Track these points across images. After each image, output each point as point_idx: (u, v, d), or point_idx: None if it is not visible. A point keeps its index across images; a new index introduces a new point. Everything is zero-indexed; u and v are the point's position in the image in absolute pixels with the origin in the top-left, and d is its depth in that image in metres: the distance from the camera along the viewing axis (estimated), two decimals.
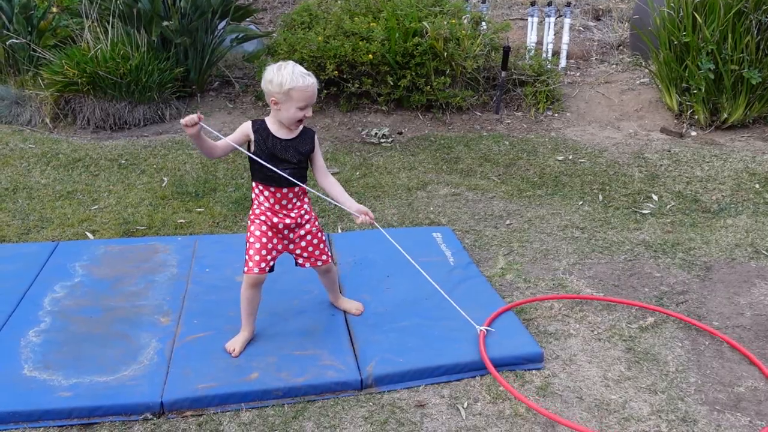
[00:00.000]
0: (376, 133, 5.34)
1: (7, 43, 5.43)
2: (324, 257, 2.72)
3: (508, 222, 3.98)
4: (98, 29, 5.41)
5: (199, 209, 4.07)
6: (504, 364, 2.60)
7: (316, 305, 2.99)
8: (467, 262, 3.41)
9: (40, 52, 5.46)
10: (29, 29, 5.58)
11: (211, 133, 2.56)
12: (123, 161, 4.77)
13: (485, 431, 2.28)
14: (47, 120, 5.40)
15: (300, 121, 2.45)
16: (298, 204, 2.59)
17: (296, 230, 2.62)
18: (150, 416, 2.34)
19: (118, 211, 4.01)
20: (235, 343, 2.63)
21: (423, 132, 5.52)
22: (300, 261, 2.71)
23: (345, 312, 2.93)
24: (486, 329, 2.72)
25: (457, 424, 2.32)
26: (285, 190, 2.52)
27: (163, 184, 4.42)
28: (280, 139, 2.48)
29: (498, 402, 2.41)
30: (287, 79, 2.36)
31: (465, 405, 2.40)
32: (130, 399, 2.36)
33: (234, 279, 3.19)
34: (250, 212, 2.60)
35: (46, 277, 3.16)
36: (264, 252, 2.56)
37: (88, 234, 3.73)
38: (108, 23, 5.42)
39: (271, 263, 2.60)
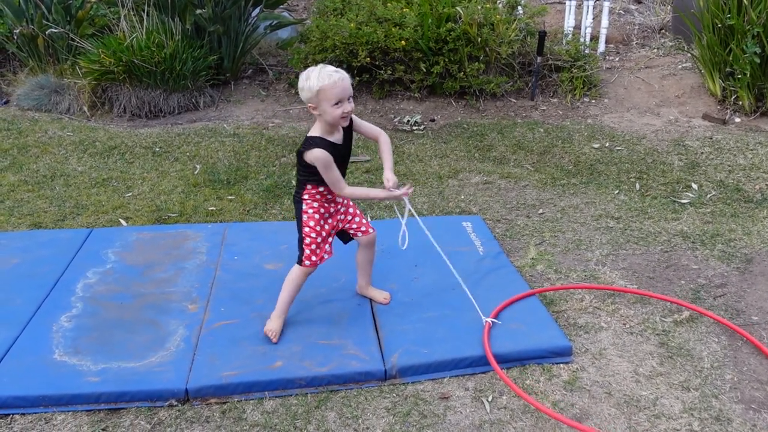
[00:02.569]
0: (408, 120, 5.29)
1: (47, 32, 5.53)
2: (370, 227, 2.81)
3: (540, 211, 3.90)
4: (134, 18, 5.47)
5: (230, 197, 4.10)
6: (531, 357, 2.55)
7: (343, 293, 2.98)
8: (497, 251, 3.35)
9: (78, 42, 5.54)
10: (68, 19, 5.67)
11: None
12: (157, 149, 4.83)
13: (509, 425, 2.24)
14: (85, 108, 5.49)
15: (344, 117, 2.45)
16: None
17: (345, 213, 2.72)
18: (175, 403, 2.36)
19: (151, 198, 4.06)
20: (275, 329, 2.66)
21: (456, 119, 5.45)
22: (351, 232, 2.76)
23: (371, 300, 2.91)
24: (492, 321, 2.67)
25: (481, 417, 2.28)
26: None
27: (196, 172, 4.46)
28: (340, 144, 2.53)
29: None
30: (314, 82, 2.39)
31: (490, 398, 2.37)
32: (156, 385, 2.39)
33: (262, 266, 3.20)
34: (304, 209, 2.59)
35: (80, 263, 3.22)
36: (324, 244, 2.64)
37: (122, 221, 3.78)
38: (144, 12, 5.46)
39: (328, 249, 2.68)
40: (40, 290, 2.97)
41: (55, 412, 2.32)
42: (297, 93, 5.83)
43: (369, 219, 3.82)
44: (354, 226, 2.76)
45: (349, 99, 2.43)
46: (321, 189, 2.56)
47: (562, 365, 2.53)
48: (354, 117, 2.59)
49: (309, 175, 2.52)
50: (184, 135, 5.09)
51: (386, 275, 3.14)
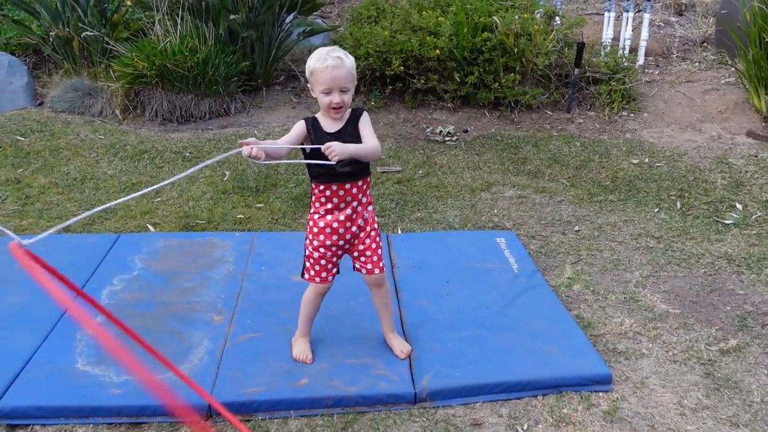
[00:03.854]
0: (440, 131, 5.19)
1: (82, 35, 5.56)
2: (381, 264, 2.48)
3: (576, 228, 3.77)
4: (168, 22, 5.46)
5: (258, 204, 4.04)
6: (569, 384, 2.42)
7: (372, 309, 2.87)
8: (532, 269, 3.23)
9: (112, 45, 5.56)
10: (103, 22, 5.69)
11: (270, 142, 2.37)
12: (187, 154, 4.80)
13: None
14: (117, 111, 5.49)
15: (335, 109, 2.27)
16: (364, 201, 2.39)
17: (358, 233, 2.43)
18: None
19: (179, 205, 4.02)
20: (301, 353, 2.56)
21: (489, 130, 5.33)
22: (357, 265, 2.51)
23: (390, 341, 2.63)
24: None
25: None
26: (348, 186, 2.33)
27: (225, 178, 4.41)
28: (328, 133, 2.31)
29: (561, 425, 2.25)
30: (312, 61, 2.24)
31: (525, 426, 2.25)
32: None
33: (289, 278, 3.13)
34: (309, 217, 2.44)
35: (106, 270, 3.18)
36: (324, 261, 2.43)
37: (150, 226, 3.74)
38: (178, 17, 5.46)
39: (333, 270, 2.48)
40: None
41: (76, 425, 2.26)
42: None
43: (400, 231, 3.72)
44: (362, 259, 2.46)
45: (342, 90, 2.23)
46: (321, 187, 2.34)
47: (601, 394, 2.40)
48: (365, 117, 2.36)
49: (310, 168, 2.35)
50: (214, 140, 5.06)
51: (417, 291, 3.04)
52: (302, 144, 2.36)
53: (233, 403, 2.31)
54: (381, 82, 5.56)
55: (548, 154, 4.84)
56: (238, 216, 3.88)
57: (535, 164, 4.69)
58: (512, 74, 5.28)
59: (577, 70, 5.44)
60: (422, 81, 5.35)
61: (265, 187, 4.28)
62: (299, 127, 2.34)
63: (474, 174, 4.53)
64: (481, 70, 5.27)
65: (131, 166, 4.59)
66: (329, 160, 2.19)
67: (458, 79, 5.31)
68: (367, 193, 2.42)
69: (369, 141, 2.31)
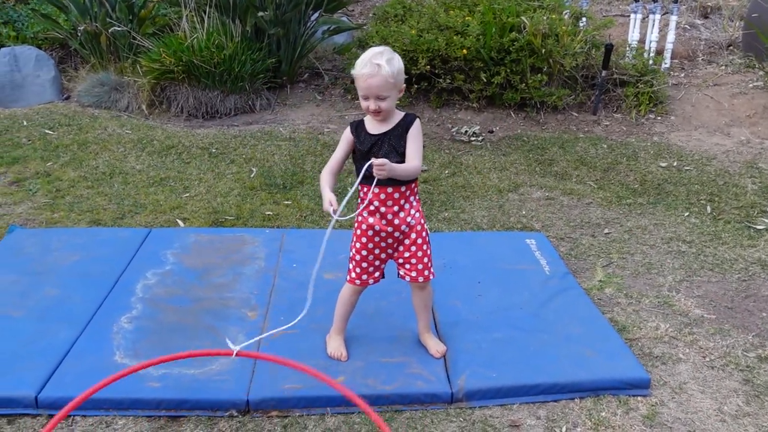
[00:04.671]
0: (466, 131, 5.18)
1: (110, 30, 5.59)
2: (426, 273, 2.47)
3: (606, 231, 3.75)
4: (195, 18, 5.48)
5: (286, 201, 4.04)
6: (607, 387, 2.41)
7: (405, 308, 2.87)
8: (564, 272, 3.22)
9: (139, 40, 5.58)
10: (130, 17, 5.72)
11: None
12: (213, 150, 4.81)
13: None
14: (143, 106, 5.52)
15: (375, 112, 2.26)
16: (407, 207, 2.39)
17: (402, 239, 2.43)
18: (235, 413, 2.31)
19: (207, 200, 4.03)
20: (336, 350, 2.56)
21: (515, 131, 5.32)
22: (401, 272, 2.51)
23: (426, 340, 2.62)
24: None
25: None
26: (390, 190, 2.33)
27: (252, 175, 4.42)
28: (371, 134, 2.33)
29: (600, 429, 2.24)
30: (356, 63, 2.25)
31: (563, 429, 2.24)
32: (216, 395, 2.33)
33: (321, 276, 3.10)
34: (355, 219, 2.46)
35: (139, 264, 3.20)
36: (365, 264, 2.45)
37: (179, 221, 3.76)
38: (205, 13, 5.48)
39: (375, 274, 2.49)
40: (100, 289, 2.95)
41: (116, 416, 2.27)
42: (352, 98, 5.83)
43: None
44: (407, 266, 2.45)
45: (378, 97, 2.22)
46: (365, 189, 2.33)
47: (639, 398, 2.39)
48: (416, 127, 2.32)
49: (356, 170, 2.37)
50: (240, 137, 5.07)
51: (449, 291, 3.04)
52: (352, 148, 2.41)
53: (271, 399, 2.32)
54: (407, 81, 5.55)
55: (575, 156, 4.82)
56: (266, 213, 3.89)
57: (561, 166, 4.66)
58: (539, 75, 5.26)
59: (604, 72, 5.41)
60: (448, 80, 5.34)
61: (292, 185, 4.29)
62: (346, 135, 2.40)
63: (500, 175, 4.52)
64: (508, 70, 5.25)
65: (159, 161, 4.61)
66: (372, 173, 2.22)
67: (484, 79, 5.29)
68: (410, 198, 2.40)
69: (411, 159, 2.30)
